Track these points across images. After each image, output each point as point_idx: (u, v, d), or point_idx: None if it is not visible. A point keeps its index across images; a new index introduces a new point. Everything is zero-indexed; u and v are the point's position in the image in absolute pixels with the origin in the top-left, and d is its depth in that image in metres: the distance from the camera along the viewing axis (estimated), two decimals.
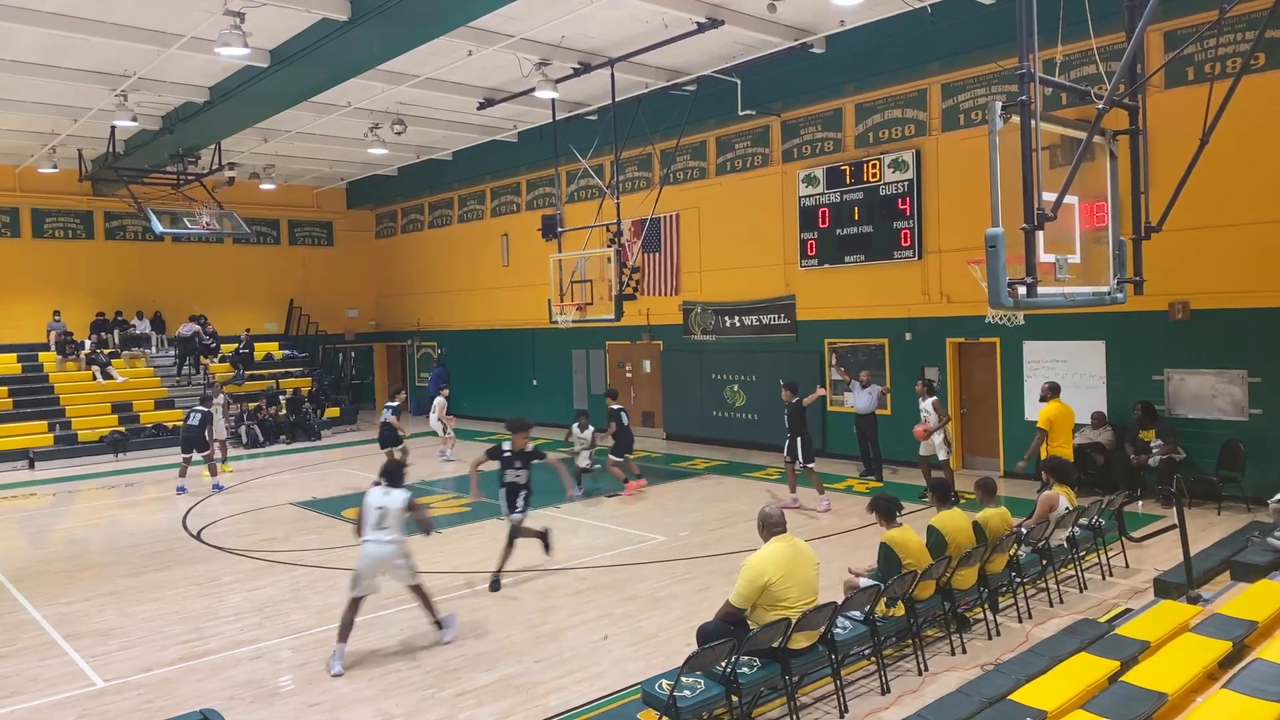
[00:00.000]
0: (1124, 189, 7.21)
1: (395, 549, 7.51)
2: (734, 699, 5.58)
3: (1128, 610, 7.39)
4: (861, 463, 14.91)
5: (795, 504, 12.44)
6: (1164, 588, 7.58)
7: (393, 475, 7.73)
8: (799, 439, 12.46)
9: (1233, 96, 7.39)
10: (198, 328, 24.26)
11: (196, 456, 15.56)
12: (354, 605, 7.40)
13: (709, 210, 18.57)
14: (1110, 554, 9.09)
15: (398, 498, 7.53)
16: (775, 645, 5.79)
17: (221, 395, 18.10)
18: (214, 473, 15.98)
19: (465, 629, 8.08)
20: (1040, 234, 5.88)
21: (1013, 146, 5.92)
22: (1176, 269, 11.74)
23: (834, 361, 16.42)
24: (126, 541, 12.08)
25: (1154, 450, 11.85)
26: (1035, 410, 12.13)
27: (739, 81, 15.71)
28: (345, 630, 7.33)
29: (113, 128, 18.02)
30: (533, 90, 15.15)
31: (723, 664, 5.54)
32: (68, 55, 14.07)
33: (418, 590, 7.74)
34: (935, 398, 12.99)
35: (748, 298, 17.90)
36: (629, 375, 20.99)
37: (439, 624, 7.82)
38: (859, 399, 14.57)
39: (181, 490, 15.28)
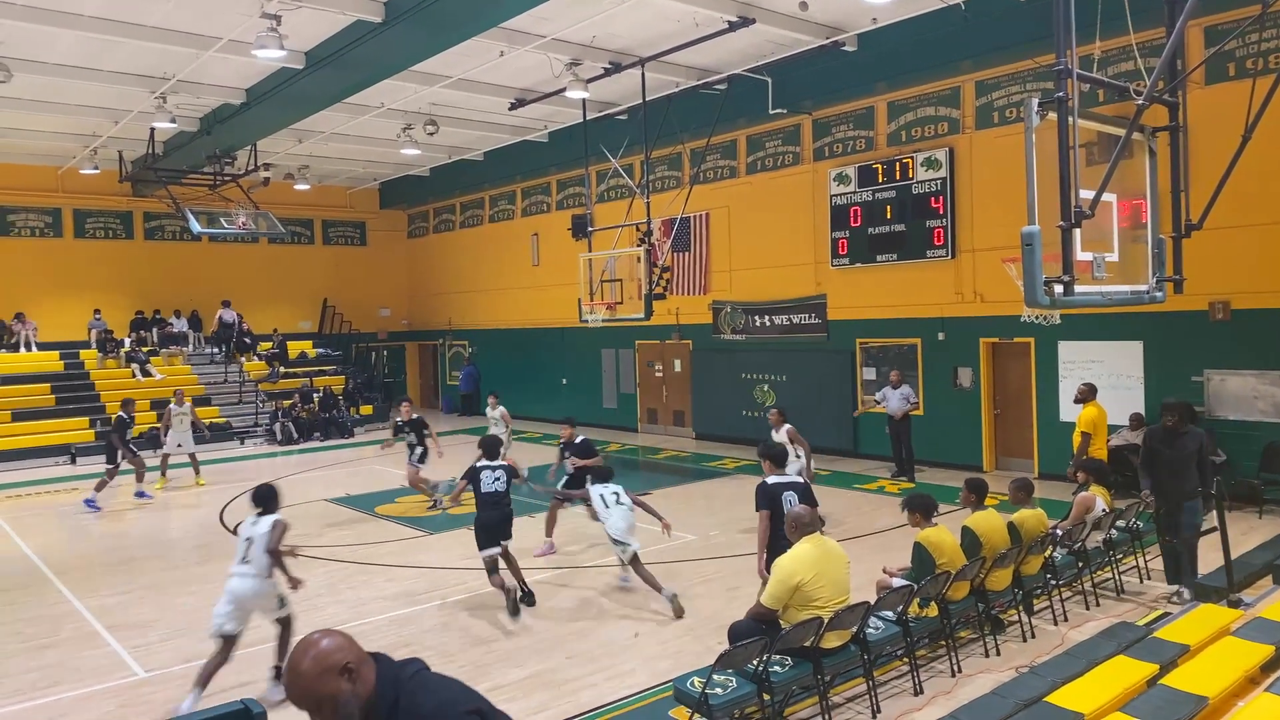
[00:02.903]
0: (1163, 186, 7.10)
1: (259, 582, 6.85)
2: (765, 697, 5.58)
3: (1166, 614, 7.28)
4: (894, 464, 14.79)
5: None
6: (1204, 591, 7.46)
7: (267, 499, 7.19)
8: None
9: (1276, 92, 7.25)
10: (237, 315, 24.73)
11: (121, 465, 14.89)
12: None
13: (739, 209, 18.53)
14: (1148, 557, 8.94)
15: (265, 524, 6.96)
16: (807, 644, 5.78)
17: (185, 404, 16.80)
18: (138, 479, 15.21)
19: (497, 626, 8.15)
20: (1077, 232, 5.81)
21: (1049, 144, 5.86)
22: (1217, 268, 11.53)
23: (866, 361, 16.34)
24: (165, 535, 12.32)
25: None
26: (1070, 411, 12.00)
27: (770, 80, 15.67)
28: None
29: (152, 129, 18.38)
30: (563, 90, 15.21)
31: (754, 662, 5.54)
32: (108, 58, 14.36)
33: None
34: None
35: (778, 297, 17.84)
36: (659, 374, 21.00)
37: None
38: (890, 400, 14.48)
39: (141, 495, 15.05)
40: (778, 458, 7.39)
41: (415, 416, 13.94)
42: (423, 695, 2.45)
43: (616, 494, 8.94)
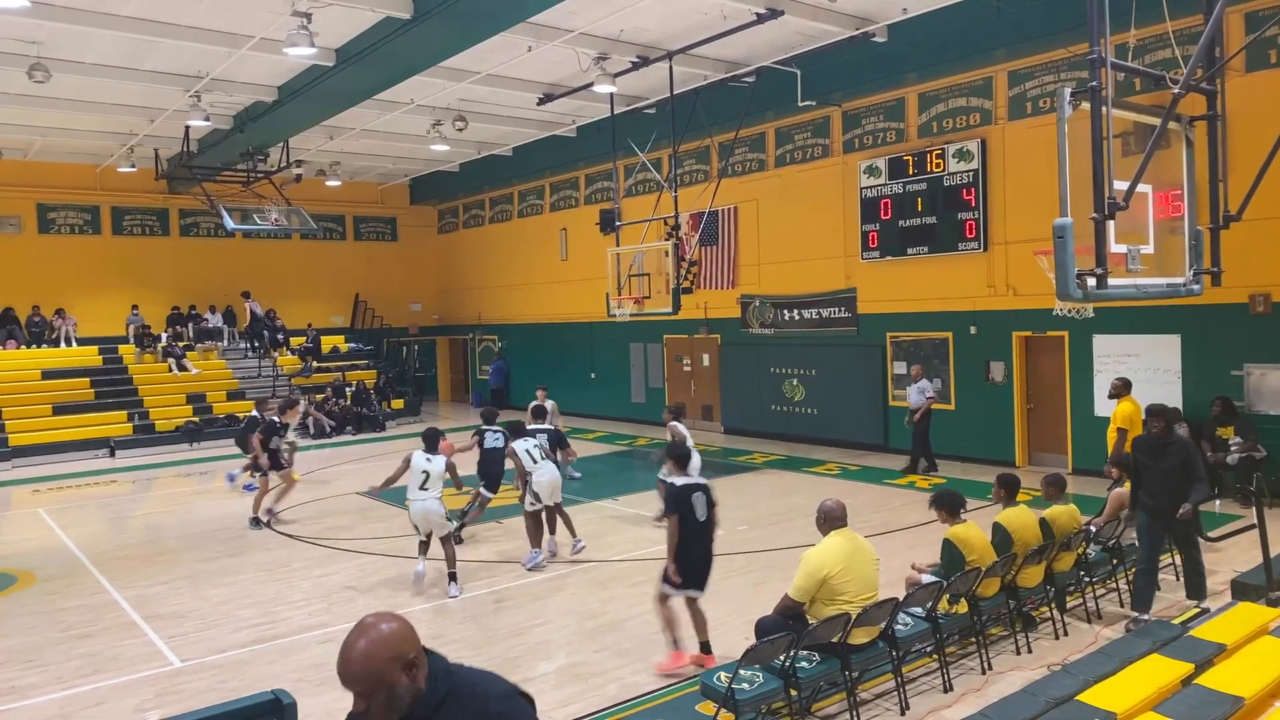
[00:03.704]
0: (1201, 177, 6.95)
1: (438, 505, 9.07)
2: (792, 693, 5.56)
3: (1204, 612, 7.15)
4: (922, 458, 14.66)
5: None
6: (1242, 589, 7.32)
7: (435, 439, 9.41)
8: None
9: None
10: (266, 310, 25.13)
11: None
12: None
13: (767, 202, 18.43)
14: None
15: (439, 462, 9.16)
16: (835, 640, 5.75)
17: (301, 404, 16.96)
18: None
19: (525, 618, 8.20)
20: (1111, 224, 5.70)
21: (1082, 134, 5.75)
22: (1258, 260, 11.29)
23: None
24: (201, 527, 12.51)
25: (1233, 448, 11.43)
26: (1105, 406, 11.81)
27: (798, 72, 15.55)
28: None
29: (187, 128, 18.67)
30: (591, 85, 15.21)
31: (781, 658, 5.52)
32: (145, 58, 14.58)
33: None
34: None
35: (807, 291, 17.73)
36: (687, 369, 20.98)
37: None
38: (910, 394, 14.55)
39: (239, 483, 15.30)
40: (682, 459, 7.26)
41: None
42: (484, 684, 2.45)
43: (539, 447, 10.09)
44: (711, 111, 16.59)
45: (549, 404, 14.84)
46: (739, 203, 18.87)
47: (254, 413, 14.51)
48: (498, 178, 24.87)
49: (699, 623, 6.84)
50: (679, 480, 6.96)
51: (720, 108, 16.70)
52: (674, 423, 11.60)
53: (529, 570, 9.67)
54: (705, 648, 6.84)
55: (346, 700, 2.35)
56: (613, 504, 13.04)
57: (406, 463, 9.22)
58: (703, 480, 7.06)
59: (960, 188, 14.88)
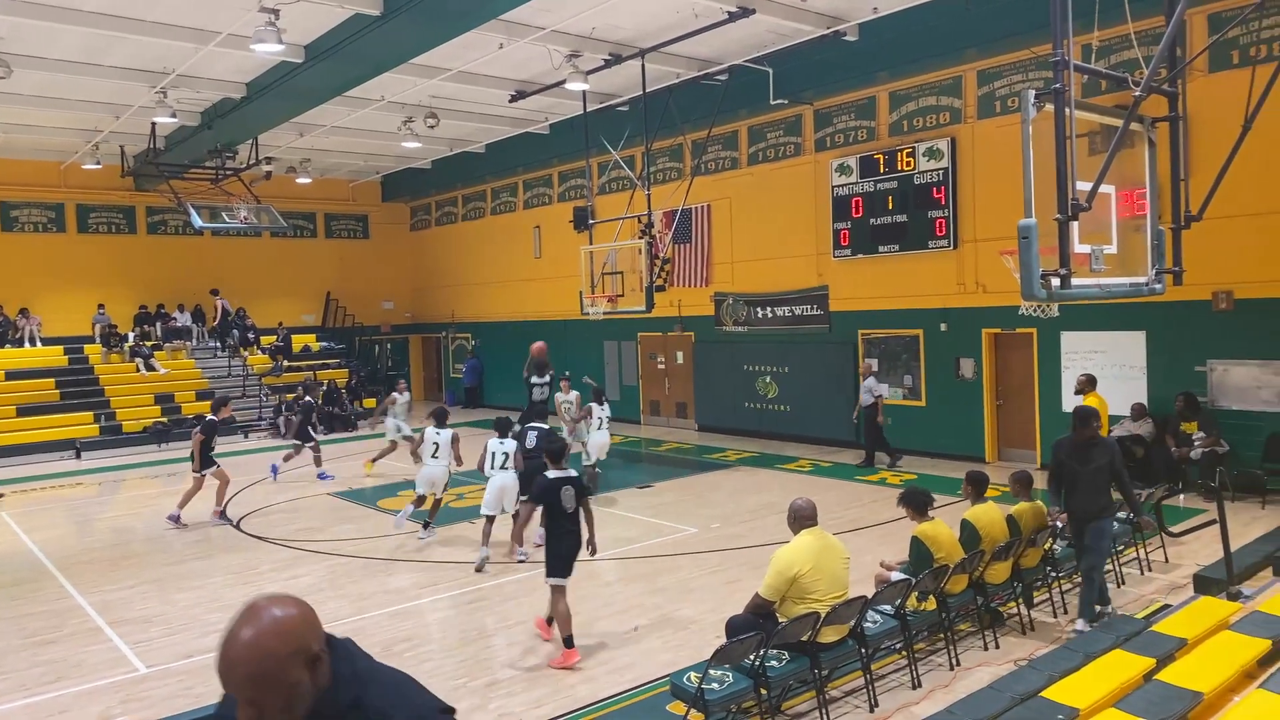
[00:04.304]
0: (1163, 177, 7.05)
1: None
2: (762, 692, 5.58)
3: (1166, 606, 7.26)
4: (881, 452, 15.00)
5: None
6: (1204, 584, 7.44)
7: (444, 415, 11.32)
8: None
9: (1277, 80, 7.19)
10: (234, 307, 24.95)
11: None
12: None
13: (741, 201, 18.48)
14: (1149, 549, 8.94)
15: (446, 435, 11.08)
16: (804, 639, 5.78)
17: (406, 395, 17.12)
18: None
19: (497, 620, 8.18)
20: (1075, 224, 5.77)
21: (1048, 135, 5.82)
22: (1221, 258, 11.47)
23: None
24: (168, 530, 12.34)
25: (1196, 443, 11.63)
26: (1072, 402, 11.95)
27: (771, 70, 15.59)
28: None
29: (153, 124, 18.37)
30: (564, 82, 15.16)
31: (751, 657, 5.54)
32: (109, 54, 14.35)
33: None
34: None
35: (780, 289, 17.80)
36: (661, 367, 20.99)
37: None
38: (862, 393, 15.01)
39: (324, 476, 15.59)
40: (557, 454, 7.46)
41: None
42: (397, 697, 2.03)
43: (507, 454, 10.12)
44: (684, 109, 16.60)
45: (574, 394, 14.29)
46: (712, 201, 18.91)
47: (307, 399, 15.84)
48: (470, 175, 24.74)
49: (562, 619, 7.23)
50: (551, 473, 7.24)
51: (693, 106, 16.71)
52: (593, 404, 13.34)
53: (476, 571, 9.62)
54: (550, 621, 7.39)
55: None
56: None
57: (423, 436, 11.12)
58: (574, 473, 7.38)
59: (930, 186, 15.00)
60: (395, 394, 16.60)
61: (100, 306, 23.61)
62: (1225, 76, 11.44)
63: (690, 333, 19.99)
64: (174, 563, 10.61)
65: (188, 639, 7.96)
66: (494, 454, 10.05)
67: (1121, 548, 8.64)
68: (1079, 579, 8.18)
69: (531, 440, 10.53)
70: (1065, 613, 7.61)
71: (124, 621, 8.51)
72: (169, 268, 25.00)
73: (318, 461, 15.76)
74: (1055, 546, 7.86)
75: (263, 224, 20.99)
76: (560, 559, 7.11)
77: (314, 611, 1.98)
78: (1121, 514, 8.63)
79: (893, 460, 14.81)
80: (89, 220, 24.01)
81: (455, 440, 11.20)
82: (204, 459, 12.56)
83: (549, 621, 7.45)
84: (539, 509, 7.19)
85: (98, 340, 23.12)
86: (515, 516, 9.74)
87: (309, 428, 15.90)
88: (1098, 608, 7.12)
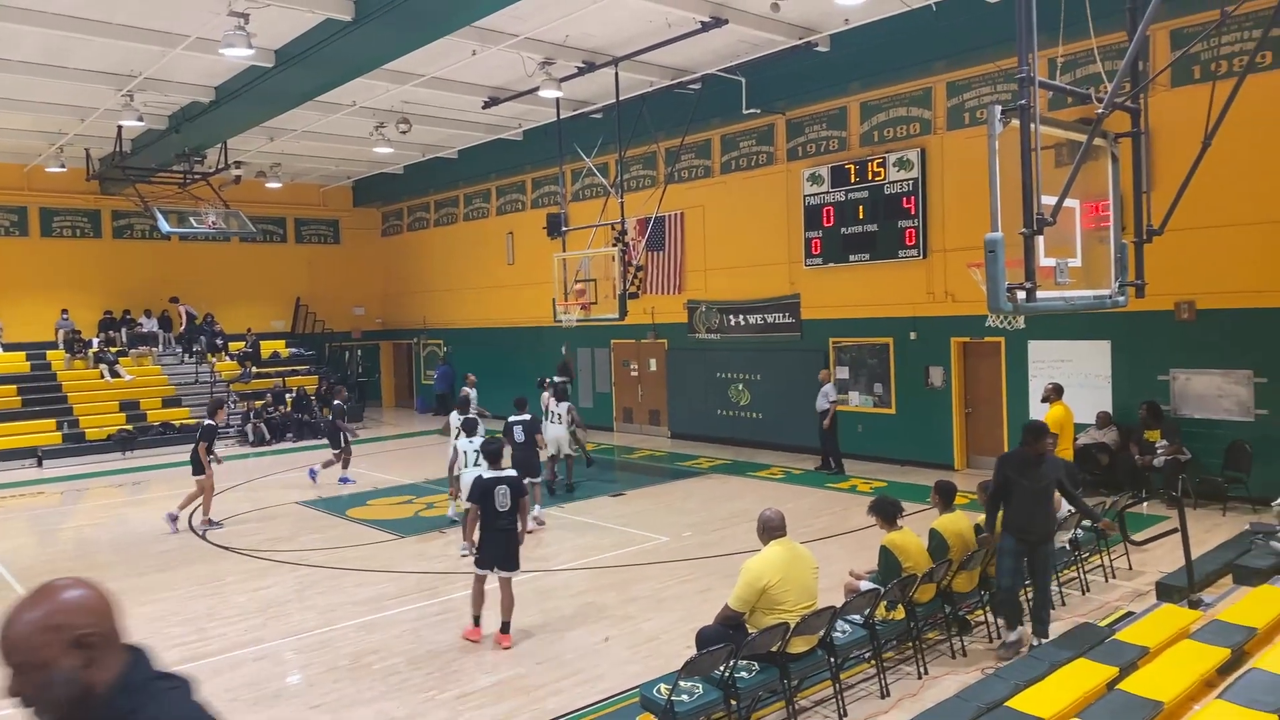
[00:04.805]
0: (1126, 190, 7.17)
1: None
2: (732, 703, 5.59)
3: (1129, 614, 7.37)
4: (831, 458, 15.27)
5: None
6: (1166, 591, 7.56)
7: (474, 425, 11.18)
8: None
9: (1238, 95, 7.33)
10: (198, 313, 24.61)
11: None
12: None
13: (713, 209, 18.55)
14: (1113, 556, 9.06)
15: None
16: (774, 649, 5.79)
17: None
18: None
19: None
20: (1040, 238, 5.85)
21: (1015, 149, 5.89)
22: (1183, 269, 11.68)
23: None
24: (132, 540, 12.15)
25: (1159, 451, 11.80)
26: (1039, 411, 12.10)
27: (743, 80, 15.68)
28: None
29: (119, 128, 18.11)
30: (537, 89, 15.15)
31: (721, 668, 5.54)
32: (74, 56, 14.13)
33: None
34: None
35: (752, 296, 17.88)
36: (634, 373, 20.99)
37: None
38: (818, 399, 15.21)
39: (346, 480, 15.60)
40: (493, 455, 8.02)
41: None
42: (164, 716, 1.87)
43: (478, 453, 10.35)
44: (658, 117, 16.64)
45: (563, 406, 14.41)
46: (685, 208, 18.96)
47: (336, 402, 15.77)
48: (443, 180, 24.63)
49: (506, 603, 7.73)
50: (487, 473, 7.82)
51: (667, 114, 16.76)
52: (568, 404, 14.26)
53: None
54: (504, 628, 7.74)
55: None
56: (559, 512, 12.98)
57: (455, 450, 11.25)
58: (511, 473, 7.85)
59: (900, 196, 15.14)
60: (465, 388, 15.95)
61: (64, 312, 23.20)
62: (1187, 91, 11.66)
63: (663, 340, 20.01)
64: (137, 574, 10.43)
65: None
66: (465, 453, 10.65)
67: (1087, 555, 8.75)
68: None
69: (518, 434, 11.96)
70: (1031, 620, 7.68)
71: None
72: (135, 273, 24.63)
73: (345, 464, 15.66)
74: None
75: (231, 229, 20.76)
76: (490, 554, 7.66)
77: (107, 602, 1.87)
78: (1086, 522, 8.77)
79: (834, 468, 15.14)
80: (53, 224, 23.60)
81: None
82: (204, 463, 12.54)
83: (503, 627, 7.79)
84: (479, 507, 7.70)
85: (61, 346, 22.74)
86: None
87: (340, 432, 15.59)
88: (1011, 637, 6.92)
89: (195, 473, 12.59)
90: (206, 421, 12.97)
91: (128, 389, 22.38)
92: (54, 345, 22.83)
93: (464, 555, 9.87)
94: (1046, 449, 6.94)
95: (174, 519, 12.70)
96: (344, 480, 15.58)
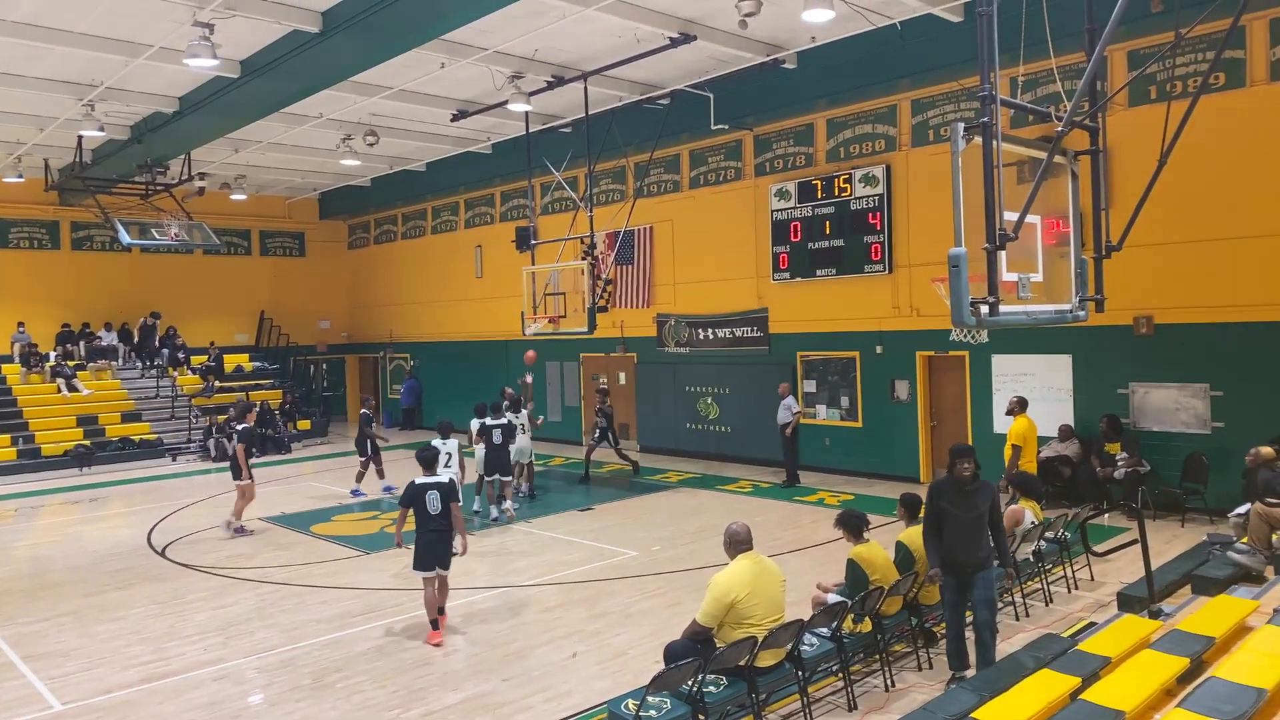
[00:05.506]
0: (1086, 207, 7.30)
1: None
2: (700, 718, 5.56)
3: (1091, 624, 7.46)
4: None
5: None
6: (1127, 602, 7.66)
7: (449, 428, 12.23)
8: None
9: (1192, 115, 7.51)
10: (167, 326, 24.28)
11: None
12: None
13: (682, 223, 18.63)
14: (1076, 568, 9.19)
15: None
16: (742, 663, 5.79)
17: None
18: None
19: (430, 649, 8.02)
20: (1002, 253, 5.93)
21: (977, 165, 5.98)
22: (1141, 284, 11.92)
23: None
24: (89, 558, 11.88)
25: (1119, 463, 12.00)
26: (1004, 423, 12.26)
27: (712, 96, 15.79)
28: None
29: (79, 138, 17.79)
30: (506, 103, 15.15)
31: (689, 683, 5.53)
32: (34, 65, 13.88)
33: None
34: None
35: (721, 310, 17.96)
36: (603, 387, 20.93)
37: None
38: (779, 411, 15.37)
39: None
40: (427, 461, 8.53)
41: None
42: None
43: (450, 454, 11.73)
44: (627, 132, 16.71)
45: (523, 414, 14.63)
46: (654, 223, 19.02)
47: (363, 410, 15.77)
48: (411, 193, 24.50)
49: (439, 598, 8.33)
50: (419, 479, 8.29)
51: (636, 128, 16.83)
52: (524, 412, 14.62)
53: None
54: (434, 624, 8.22)
55: None
56: (526, 526, 12.91)
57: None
58: (443, 480, 8.37)
59: (866, 211, 15.31)
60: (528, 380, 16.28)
61: (20, 325, 22.70)
62: (1144, 110, 11.93)
63: (632, 354, 20.02)
64: (94, 593, 10.19)
65: (107, 673, 7.65)
66: (445, 454, 11.55)
67: (1050, 567, 8.85)
68: (1002, 598, 8.34)
69: (496, 437, 13.08)
70: (998, 631, 7.73)
71: (38, 656, 8.14)
72: (95, 285, 24.18)
73: (380, 474, 15.64)
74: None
75: (195, 241, 20.45)
76: (422, 554, 8.16)
77: None
78: (1050, 534, 8.89)
79: (789, 480, 15.34)
80: (9, 235, 23.12)
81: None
82: (243, 468, 12.84)
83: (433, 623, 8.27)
84: (410, 510, 8.25)
85: (16, 360, 22.23)
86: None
87: (367, 439, 15.44)
88: (961, 675, 6.54)
89: (235, 478, 12.94)
90: (241, 425, 13.19)
91: (86, 404, 21.94)
92: (9, 359, 22.33)
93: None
94: (975, 473, 6.60)
95: (236, 528, 12.89)
96: (355, 493, 15.54)
